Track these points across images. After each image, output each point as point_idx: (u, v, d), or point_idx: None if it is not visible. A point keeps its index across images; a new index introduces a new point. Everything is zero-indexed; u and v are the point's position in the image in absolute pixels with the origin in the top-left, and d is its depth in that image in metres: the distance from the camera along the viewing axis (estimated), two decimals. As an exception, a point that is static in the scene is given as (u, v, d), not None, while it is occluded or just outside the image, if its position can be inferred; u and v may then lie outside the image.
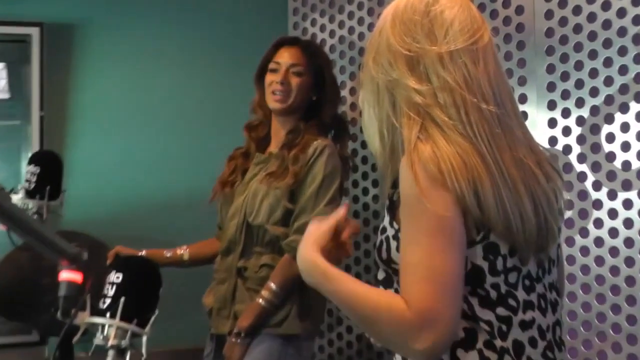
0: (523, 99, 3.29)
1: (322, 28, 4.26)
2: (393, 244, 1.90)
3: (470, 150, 1.83)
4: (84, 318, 2.28)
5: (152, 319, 2.25)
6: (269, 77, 3.43)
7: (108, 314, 2.21)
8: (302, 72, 3.42)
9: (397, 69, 1.92)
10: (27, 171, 3.15)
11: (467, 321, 1.84)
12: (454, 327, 1.75)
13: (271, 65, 3.45)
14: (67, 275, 2.38)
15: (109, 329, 2.20)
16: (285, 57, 3.44)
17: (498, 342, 1.86)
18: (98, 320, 2.22)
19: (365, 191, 4.04)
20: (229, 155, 3.58)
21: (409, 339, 1.72)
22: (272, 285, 3.18)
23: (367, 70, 2.00)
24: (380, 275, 1.98)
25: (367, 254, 3.99)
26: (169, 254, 3.50)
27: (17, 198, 3.14)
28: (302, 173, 3.26)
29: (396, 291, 1.91)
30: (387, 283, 1.96)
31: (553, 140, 3.20)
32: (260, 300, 3.18)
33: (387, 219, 1.92)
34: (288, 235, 3.23)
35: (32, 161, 3.17)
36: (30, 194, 3.11)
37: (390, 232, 1.91)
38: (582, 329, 3.13)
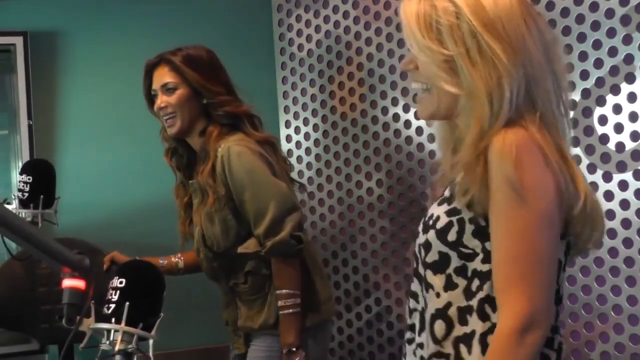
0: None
1: (307, 23, 4.25)
2: (469, 227, 1.89)
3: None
4: (89, 324, 2.28)
5: (158, 322, 2.25)
6: (155, 106, 3.33)
7: (113, 320, 2.20)
8: (175, 87, 3.27)
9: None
10: (19, 181, 3.13)
11: None
12: (550, 319, 1.81)
13: (153, 94, 3.35)
14: (70, 282, 2.39)
15: (115, 334, 2.19)
16: (156, 82, 3.32)
17: (557, 337, 1.92)
18: (103, 325, 2.21)
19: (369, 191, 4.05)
20: (174, 190, 3.52)
21: (516, 344, 1.76)
22: (285, 290, 3.16)
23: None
24: (431, 257, 1.96)
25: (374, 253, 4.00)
26: (163, 262, 3.46)
27: (11, 208, 3.12)
28: (221, 187, 3.17)
29: (448, 277, 1.93)
30: (439, 267, 1.95)
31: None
32: (286, 311, 3.15)
33: (463, 201, 1.89)
34: (261, 245, 3.18)
35: (24, 171, 3.16)
36: (24, 203, 3.10)
37: (466, 214, 1.89)
38: (583, 311, 3.14)
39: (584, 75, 3.11)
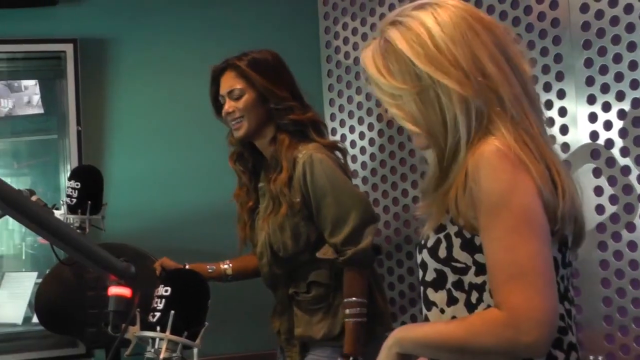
0: (561, 94, 3.27)
1: (354, 31, 4.25)
2: (456, 241, 1.89)
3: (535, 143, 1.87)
4: (135, 332, 2.28)
5: (203, 331, 2.25)
6: (223, 112, 3.34)
7: (158, 328, 2.21)
8: (242, 93, 3.28)
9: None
10: (68, 186, 3.16)
11: None
12: (553, 315, 1.74)
13: (220, 100, 3.36)
14: (116, 290, 2.40)
15: (159, 342, 2.20)
16: (223, 88, 3.33)
17: (567, 338, 1.88)
18: (149, 334, 2.22)
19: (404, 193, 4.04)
20: (234, 195, 3.51)
21: (511, 339, 1.72)
22: (354, 299, 3.16)
23: None
24: (430, 276, 1.97)
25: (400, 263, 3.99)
26: (212, 269, 3.43)
27: (59, 214, 3.14)
28: (297, 195, 3.19)
29: (449, 292, 1.93)
30: (438, 284, 1.95)
31: (594, 135, 3.18)
32: (353, 319, 3.15)
33: (447, 217, 1.90)
34: (338, 252, 3.19)
35: (72, 177, 3.18)
36: (72, 209, 3.11)
37: (452, 229, 1.90)
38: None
39: (634, 84, 3.06)
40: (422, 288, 2.02)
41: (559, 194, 1.83)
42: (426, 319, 2.02)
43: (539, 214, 1.78)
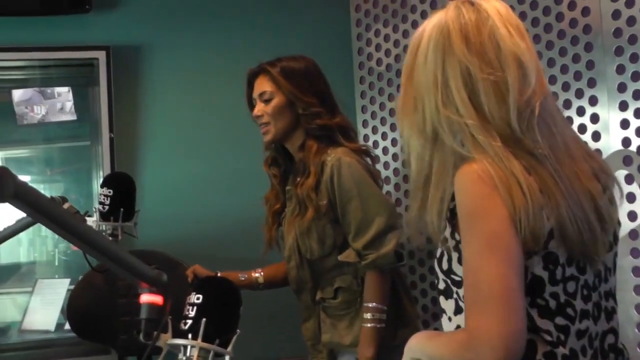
0: (593, 101, 3.26)
1: (386, 38, 4.25)
2: (454, 255, 1.90)
3: (530, 161, 1.85)
4: (166, 339, 2.29)
5: (234, 338, 2.26)
6: (253, 114, 3.37)
7: (190, 335, 2.21)
8: (271, 97, 3.30)
9: None
10: (100, 194, 3.17)
11: (527, 333, 1.81)
12: (512, 339, 1.72)
13: (253, 103, 3.38)
14: (148, 297, 2.40)
15: (191, 350, 2.21)
16: (255, 91, 3.36)
17: (559, 351, 1.86)
18: (180, 341, 2.22)
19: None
20: (264, 197, 3.53)
21: (457, 353, 1.78)
22: (374, 304, 3.16)
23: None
24: (441, 285, 1.99)
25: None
26: (243, 277, 3.45)
27: (91, 221, 3.16)
28: (324, 198, 3.20)
29: (456, 302, 1.95)
30: (447, 293, 1.97)
31: (626, 142, 3.16)
32: (370, 324, 3.15)
33: (448, 230, 1.91)
34: (360, 256, 3.19)
35: (104, 184, 3.19)
36: (104, 216, 3.13)
37: (451, 243, 1.91)
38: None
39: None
40: (437, 294, 2.05)
41: (553, 205, 1.82)
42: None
43: (505, 238, 1.77)
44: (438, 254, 1.97)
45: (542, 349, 1.85)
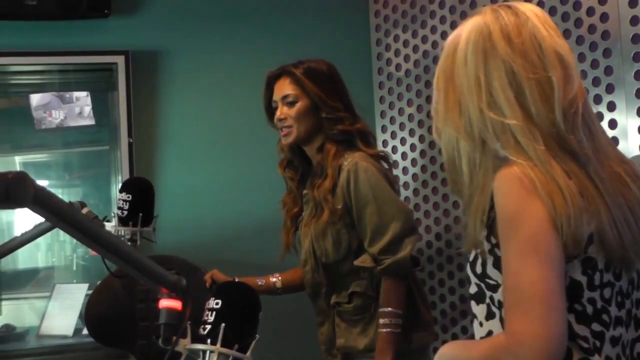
0: (612, 106, 3.24)
1: (405, 43, 4.24)
2: (489, 259, 1.89)
3: (570, 165, 1.84)
4: (185, 344, 2.28)
5: (254, 343, 2.25)
6: (275, 117, 3.34)
7: (209, 340, 2.21)
8: (295, 100, 3.28)
9: None
10: (119, 199, 3.17)
11: None
12: (554, 343, 1.71)
13: (273, 105, 3.37)
14: (167, 302, 2.40)
15: (210, 355, 2.20)
16: (276, 93, 3.34)
17: (594, 359, 1.84)
18: (199, 346, 2.21)
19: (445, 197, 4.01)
20: (282, 201, 3.52)
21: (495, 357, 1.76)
22: (390, 309, 3.14)
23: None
24: (472, 289, 1.99)
25: (440, 267, 3.95)
26: (261, 282, 3.43)
27: (110, 226, 3.16)
28: (340, 202, 3.18)
29: (488, 306, 1.94)
30: (479, 298, 1.97)
31: (646, 147, 3.15)
32: (386, 329, 3.13)
33: (483, 233, 1.90)
34: (376, 261, 3.18)
35: (123, 189, 3.19)
36: (123, 221, 3.13)
37: (486, 246, 1.89)
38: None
39: None
40: (469, 299, 2.04)
41: (593, 209, 1.81)
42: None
43: (546, 240, 1.76)
44: (471, 258, 1.97)
45: (577, 355, 1.83)
